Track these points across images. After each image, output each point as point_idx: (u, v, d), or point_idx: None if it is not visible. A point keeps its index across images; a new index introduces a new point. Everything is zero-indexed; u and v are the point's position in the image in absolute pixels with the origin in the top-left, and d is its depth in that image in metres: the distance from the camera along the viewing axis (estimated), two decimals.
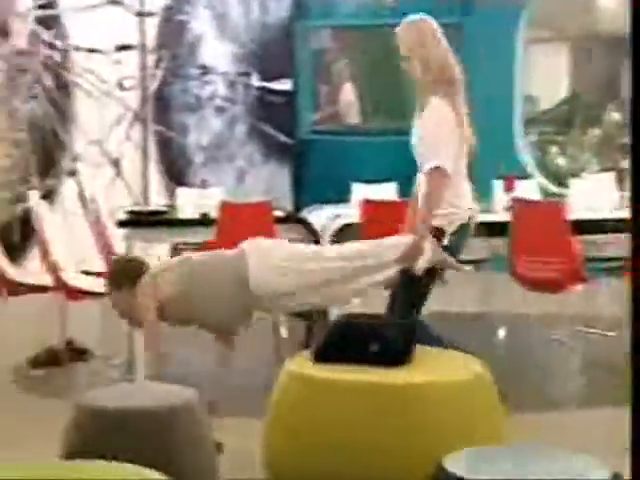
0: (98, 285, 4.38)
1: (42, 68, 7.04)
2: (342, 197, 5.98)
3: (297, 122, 8.22)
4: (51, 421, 3.62)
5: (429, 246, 3.39)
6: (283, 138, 8.21)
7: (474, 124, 3.55)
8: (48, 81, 7.06)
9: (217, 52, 8.04)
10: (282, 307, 3.66)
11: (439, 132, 3.44)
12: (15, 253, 6.15)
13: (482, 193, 5.46)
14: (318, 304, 3.68)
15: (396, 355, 2.95)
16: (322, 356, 2.98)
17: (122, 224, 5.18)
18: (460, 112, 3.50)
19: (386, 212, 4.61)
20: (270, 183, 8.16)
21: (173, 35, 7.80)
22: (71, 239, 5.96)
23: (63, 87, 7.17)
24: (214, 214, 5.04)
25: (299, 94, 8.19)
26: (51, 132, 7.12)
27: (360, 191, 5.84)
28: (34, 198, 5.56)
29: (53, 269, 4.61)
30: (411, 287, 3.47)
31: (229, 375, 4.47)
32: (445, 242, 3.46)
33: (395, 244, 3.48)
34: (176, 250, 5.81)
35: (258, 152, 8.26)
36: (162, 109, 7.75)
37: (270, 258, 3.47)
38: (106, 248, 5.20)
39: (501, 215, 5.09)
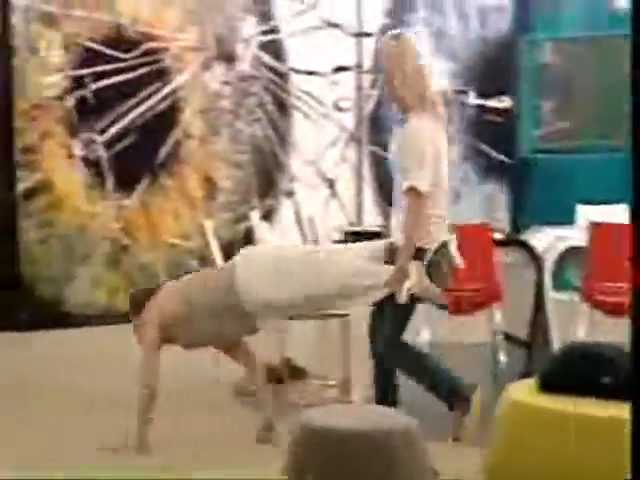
0: None
1: (264, 92, 7.29)
2: (565, 219, 5.71)
3: (517, 140, 7.99)
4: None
5: (415, 271, 3.34)
6: (501, 157, 8.01)
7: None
8: (269, 104, 7.30)
9: (433, 70, 7.99)
10: (274, 316, 3.68)
11: (415, 150, 3.40)
12: None
13: None
14: (308, 315, 3.77)
15: (632, 388, 2.73)
16: (548, 385, 2.83)
17: (338, 244, 5.21)
18: (436, 125, 3.47)
19: (616, 236, 4.34)
20: (486, 204, 7.97)
21: None
22: None
23: (283, 109, 7.39)
24: None
25: (520, 111, 7.96)
26: (271, 154, 7.34)
27: (586, 213, 5.55)
28: (255, 218, 5.72)
29: None
30: (394, 313, 3.49)
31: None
32: (426, 261, 3.42)
33: (383, 269, 3.44)
34: None
35: (474, 172, 8.11)
36: (377, 129, 7.80)
37: (260, 268, 3.48)
38: None
39: None
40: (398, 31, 3.64)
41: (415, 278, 3.36)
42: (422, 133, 3.44)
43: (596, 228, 4.79)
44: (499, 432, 2.85)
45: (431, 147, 3.44)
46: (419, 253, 3.42)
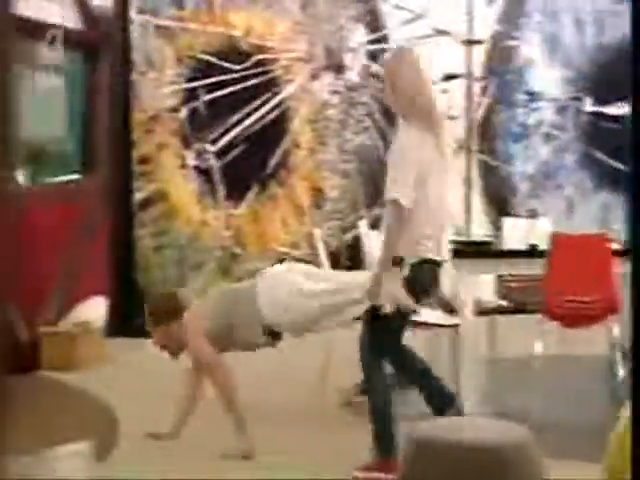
0: (437, 317, 4.62)
1: (372, 101, 7.29)
2: None
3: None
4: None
5: (391, 282, 3.30)
6: (618, 165, 7.78)
7: None
8: (377, 113, 7.30)
9: (546, 77, 7.84)
10: (292, 330, 3.85)
11: (400, 161, 3.36)
12: None
13: None
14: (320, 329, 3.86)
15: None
16: None
17: None
18: (430, 139, 3.40)
19: None
20: (602, 213, 7.76)
21: (501, 62, 7.73)
22: None
23: (391, 118, 7.37)
24: (543, 246, 4.84)
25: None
26: (379, 163, 7.34)
27: None
28: (363, 227, 5.73)
29: None
30: (376, 325, 3.43)
31: (559, 414, 4.26)
32: (405, 273, 3.36)
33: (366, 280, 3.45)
34: (502, 282, 5.69)
35: (589, 180, 7.91)
36: (487, 137, 7.69)
37: (278, 293, 3.69)
38: None
39: None
40: (400, 46, 3.69)
41: (392, 290, 3.32)
42: (410, 145, 3.38)
43: None
44: (618, 449, 2.75)
45: (419, 162, 3.37)
46: (399, 262, 3.37)
